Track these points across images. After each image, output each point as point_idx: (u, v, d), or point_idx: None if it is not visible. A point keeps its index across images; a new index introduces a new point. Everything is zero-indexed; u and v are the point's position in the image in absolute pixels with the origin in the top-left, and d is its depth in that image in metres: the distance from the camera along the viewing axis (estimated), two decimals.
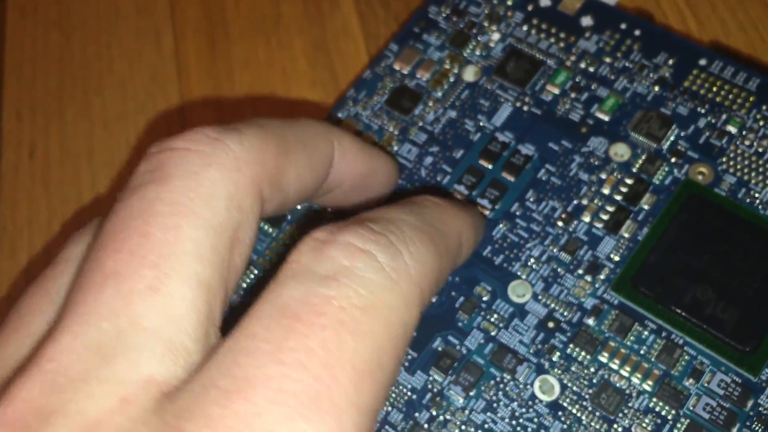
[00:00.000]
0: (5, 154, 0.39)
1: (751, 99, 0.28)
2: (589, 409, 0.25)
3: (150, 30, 0.41)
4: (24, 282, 0.35)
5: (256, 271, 0.29)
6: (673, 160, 0.28)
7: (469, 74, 0.31)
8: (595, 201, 0.28)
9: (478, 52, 0.31)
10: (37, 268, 0.35)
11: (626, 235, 0.27)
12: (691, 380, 0.25)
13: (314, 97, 0.37)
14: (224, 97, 0.38)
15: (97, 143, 0.38)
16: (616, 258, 0.27)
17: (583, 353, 0.26)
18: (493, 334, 0.26)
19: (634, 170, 0.28)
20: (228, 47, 0.39)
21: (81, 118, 0.39)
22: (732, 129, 0.28)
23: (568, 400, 0.25)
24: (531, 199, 0.28)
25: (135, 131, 0.38)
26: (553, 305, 0.26)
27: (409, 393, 0.26)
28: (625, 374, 0.25)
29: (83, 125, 0.39)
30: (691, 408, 0.25)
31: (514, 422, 0.25)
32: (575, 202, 0.28)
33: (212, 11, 0.41)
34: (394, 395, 0.26)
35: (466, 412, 0.25)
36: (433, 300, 0.27)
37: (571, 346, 0.26)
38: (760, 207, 0.27)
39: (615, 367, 0.25)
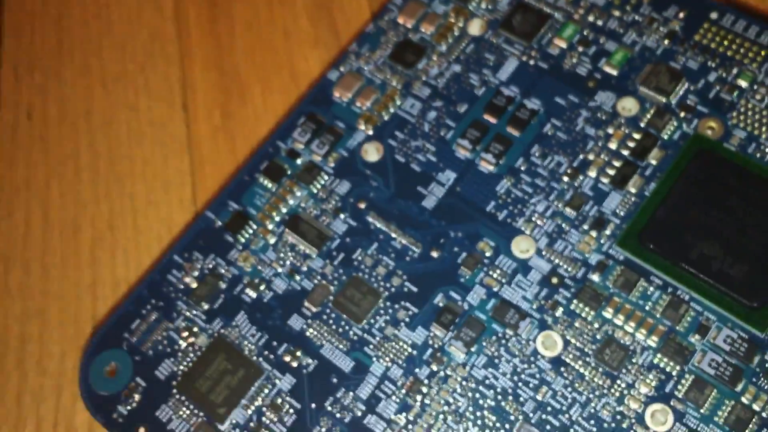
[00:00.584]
0: (3, 114, 0.39)
1: (762, 53, 0.28)
2: (592, 365, 0.24)
3: None
4: (21, 243, 0.35)
5: (255, 226, 0.28)
6: (682, 114, 0.27)
7: (475, 28, 0.30)
8: (602, 156, 0.27)
9: (483, 6, 0.30)
10: (35, 229, 0.35)
11: (633, 191, 0.26)
12: (696, 336, 0.24)
13: (316, 56, 0.36)
14: (225, 57, 0.37)
15: (96, 104, 0.38)
16: (622, 213, 0.26)
17: (586, 309, 0.25)
18: (495, 289, 0.26)
19: (642, 125, 0.27)
20: (229, 6, 0.39)
21: (80, 77, 0.39)
22: (743, 83, 0.27)
23: (570, 355, 0.25)
24: (536, 154, 0.28)
25: (134, 91, 0.38)
26: (557, 261, 0.26)
27: (409, 348, 0.25)
28: (630, 330, 0.25)
29: (82, 85, 0.39)
30: (696, 364, 0.24)
31: (515, 378, 0.25)
32: (581, 157, 0.27)
33: None
34: (394, 351, 0.26)
35: (467, 367, 0.25)
36: (435, 255, 0.27)
37: (574, 301, 0.25)
38: None
39: (619, 322, 0.25)
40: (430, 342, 0.25)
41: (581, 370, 0.24)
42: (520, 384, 0.25)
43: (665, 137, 0.27)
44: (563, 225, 0.26)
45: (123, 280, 0.33)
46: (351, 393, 0.25)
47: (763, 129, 0.26)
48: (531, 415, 0.24)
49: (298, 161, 0.29)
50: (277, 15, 0.38)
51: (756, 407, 0.23)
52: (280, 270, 0.27)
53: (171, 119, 0.37)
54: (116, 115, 0.37)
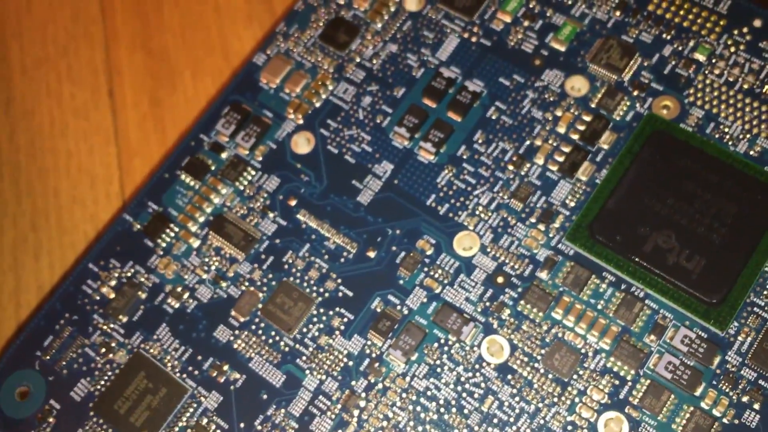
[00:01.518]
0: None
1: (721, 23, 0.25)
2: (541, 371, 0.23)
3: None
4: None
5: (177, 229, 0.26)
6: (635, 93, 0.25)
7: (412, 3, 0.27)
8: (550, 141, 0.25)
9: None
10: None
11: (583, 178, 0.24)
12: (652, 337, 0.23)
13: (249, 34, 0.33)
14: (153, 37, 0.35)
15: (15, 92, 0.35)
16: (572, 204, 0.24)
17: (534, 310, 0.23)
18: (436, 291, 0.24)
19: (593, 106, 0.25)
20: None
21: None
22: (700, 57, 0.25)
23: (518, 362, 0.23)
24: (479, 141, 0.25)
25: (56, 77, 0.35)
26: (502, 258, 0.24)
27: (345, 359, 0.23)
28: (581, 332, 0.23)
29: (0, 72, 0.36)
30: (652, 367, 0.22)
31: (459, 388, 0.23)
32: (528, 142, 0.25)
33: None
34: (328, 362, 0.24)
35: (407, 378, 0.23)
36: (372, 256, 0.24)
37: (521, 302, 0.23)
38: (730, 143, 0.24)
39: (570, 324, 0.23)
40: (368, 351, 0.24)
41: (529, 377, 0.23)
42: (464, 394, 0.23)
43: (617, 119, 0.25)
44: (509, 218, 0.24)
45: (47, 285, 0.31)
46: (282, 410, 0.23)
47: (722, 107, 0.24)
48: (476, 428, 0.22)
49: (223, 155, 0.26)
50: None
51: (716, 413, 0.22)
52: (204, 276, 0.25)
53: (96, 107, 0.34)
54: (38, 103, 0.35)
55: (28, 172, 0.33)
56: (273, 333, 0.24)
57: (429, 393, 0.23)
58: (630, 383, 0.22)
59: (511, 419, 0.22)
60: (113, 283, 0.25)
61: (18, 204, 0.33)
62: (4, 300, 0.31)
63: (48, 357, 0.25)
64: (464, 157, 0.25)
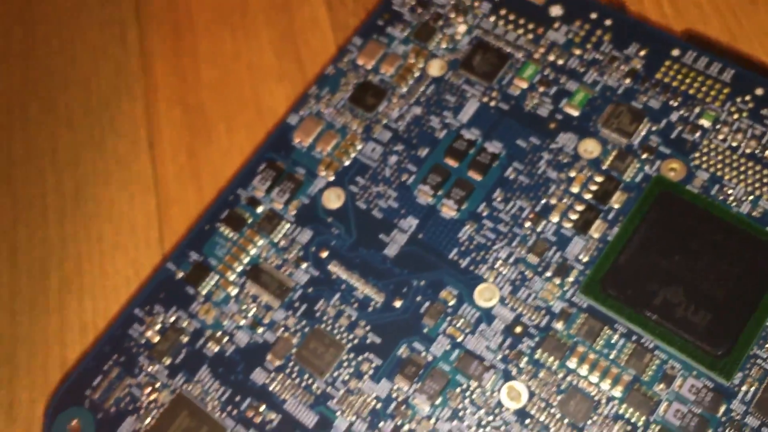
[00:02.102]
0: None
1: (725, 91, 0.27)
2: (558, 416, 0.24)
3: (114, 23, 0.40)
4: None
5: (217, 277, 0.28)
6: (644, 156, 0.27)
7: (435, 68, 0.29)
8: (564, 200, 0.27)
9: (443, 45, 0.30)
10: (3, 273, 0.34)
11: (596, 236, 0.26)
12: (661, 385, 0.24)
13: (281, 91, 0.36)
14: (190, 92, 0.37)
15: (61, 142, 0.37)
16: (585, 259, 0.26)
17: (551, 359, 0.25)
18: (459, 339, 0.26)
19: (604, 167, 0.27)
20: (194, 40, 0.38)
21: (45, 114, 0.38)
22: (705, 123, 0.27)
23: (535, 407, 0.24)
24: (498, 199, 0.27)
25: (100, 129, 0.37)
26: (520, 309, 0.26)
27: (373, 402, 0.25)
28: (594, 380, 0.24)
29: (47, 123, 0.38)
30: (662, 414, 0.24)
31: (480, 430, 0.24)
32: (543, 201, 0.27)
33: (178, 3, 0.39)
34: (358, 405, 0.25)
35: (432, 420, 0.25)
36: (398, 305, 0.26)
37: (539, 351, 0.25)
38: (733, 204, 0.26)
39: (584, 372, 0.25)
40: (394, 395, 0.25)
41: (546, 421, 0.24)
42: None
43: (627, 179, 0.27)
44: (526, 272, 0.26)
45: (91, 326, 0.33)
46: None
47: (727, 170, 0.26)
48: None
49: (259, 209, 0.29)
50: (241, 49, 0.37)
51: None
52: (242, 322, 0.27)
53: (137, 157, 0.36)
54: (82, 153, 0.37)
55: (73, 218, 0.35)
56: (306, 376, 0.26)
57: None
58: (641, 429, 0.24)
59: None
60: (157, 327, 0.27)
61: (64, 248, 0.35)
62: (50, 339, 0.33)
63: (97, 396, 0.26)
64: (484, 213, 0.27)
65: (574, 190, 0.27)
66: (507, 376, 0.25)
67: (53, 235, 0.35)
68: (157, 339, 0.27)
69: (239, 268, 0.28)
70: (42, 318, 0.33)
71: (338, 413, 0.25)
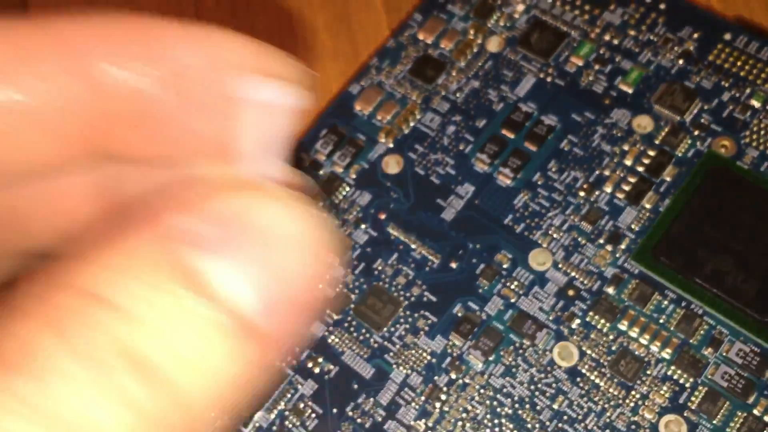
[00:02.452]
0: None
1: None
2: (608, 375, 0.25)
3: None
4: None
5: None
6: (696, 132, 0.28)
7: (493, 45, 0.31)
8: (617, 172, 0.28)
9: (502, 23, 0.31)
10: None
11: (648, 206, 0.27)
12: (709, 349, 0.25)
13: (335, 69, 0.37)
14: None
15: None
16: (637, 228, 0.27)
17: (602, 321, 0.26)
18: (513, 300, 0.27)
19: (657, 142, 0.28)
20: (251, 19, 0.39)
21: None
22: (755, 103, 0.28)
23: (586, 366, 0.25)
24: (553, 169, 0.28)
25: None
26: (573, 273, 0.27)
27: (428, 357, 0.26)
28: (644, 342, 0.25)
29: None
30: (710, 376, 0.25)
31: (532, 387, 0.25)
32: (597, 172, 0.28)
33: None
34: (414, 359, 0.26)
35: (485, 376, 0.26)
36: (454, 266, 0.27)
37: (590, 314, 0.26)
38: None
39: (634, 335, 0.25)
40: (449, 350, 0.26)
41: (597, 380, 0.25)
42: (536, 393, 0.25)
43: (679, 155, 0.28)
44: (579, 239, 0.27)
45: None
46: (371, 399, 0.26)
47: None
48: (547, 423, 0.25)
49: (320, 172, 0.30)
50: (297, 27, 0.38)
51: (767, 419, 0.24)
52: None
53: None
54: None
55: None
56: (364, 330, 0.27)
57: (505, 390, 0.25)
58: (689, 390, 0.25)
59: (579, 417, 0.25)
60: None
61: None
62: None
63: None
64: (539, 182, 0.28)
65: (627, 162, 0.28)
66: (559, 336, 0.26)
67: None
68: None
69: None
70: None
71: (394, 366, 0.26)
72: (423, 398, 0.26)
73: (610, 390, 0.25)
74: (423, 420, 0.25)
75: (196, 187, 0.11)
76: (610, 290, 0.26)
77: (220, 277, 0.10)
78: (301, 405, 0.26)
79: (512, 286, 0.27)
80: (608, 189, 0.28)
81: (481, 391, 0.25)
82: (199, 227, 0.11)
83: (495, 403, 0.25)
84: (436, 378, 0.26)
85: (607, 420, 0.25)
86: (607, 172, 0.28)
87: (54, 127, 0.12)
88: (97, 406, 0.09)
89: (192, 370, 0.10)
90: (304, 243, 0.11)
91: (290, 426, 0.26)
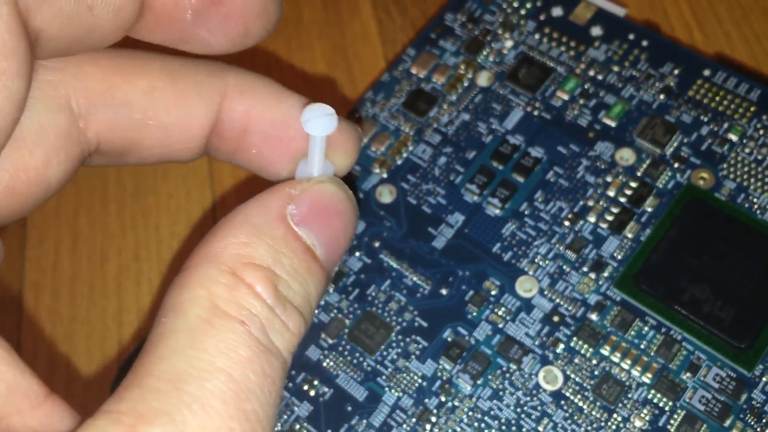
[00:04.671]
0: None
1: (752, 109, 0.30)
2: (591, 399, 0.26)
3: None
4: (51, 271, 0.37)
5: None
6: (676, 165, 0.29)
7: (483, 79, 0.32)
8: (601, 202, 0.29)
9: (491, 59, 0.32)
10: (64, 257, 0.37)
11: (630, 236, 0.28)
12: (688, 374, 0.26)
13: (333, 97, 0.38)
14: None
15: None
16: (620, 257, 0.28)
17: (585, 346, 0.27)
18: (500, 326, 0.28)
19: (639, 174, 0.29)
20: (251, 49, 0.41)
21: None
22: (733, 137, 0.29)
23: (570, 390, 0.26)
24: (539, 199, 0.30)
25: None
26: (558, 300, 0.28)
27: (419, 380, 0.27)
28: (626, 367, 0.26)
29: None
30: (688, 400, 0.26)
31: (518, 410, 0.26)
32: (581, 203, 0.29)
33: None
34: (405, 382, 0.27)
35: (474, 399, 0.27)
36: (444, 293, 0.28)
37: (574, 339, 0.27)
38: (758, 212, 0.28)
39: (616, 360, 0.27)
40: (439, 374, 0.27)
41: (580, 403, 0.26)
42: (522, 415, 0.26)
43: (660, 186, 0.29)
44: (564, 267, 0.28)
45: (147, 308, 0.35)
46: (365, 421, 0.27)
47: (752, 180, 0.28)
48: None
49: None
50: (296, 59, 0.40)
51: None
52: None
53: None
54: None
55: (132, 209, 0.38)
56: (357, 354, 0.28)
57: (492, 413, 0.26)
58: (668, 413, 0.26)
59: None
60: None
61: (123, 236, 0.37)
62: (108, 320, 0.35)
63: None
64: (526, 212, 0.29)
65: (611, 193, 0.29)
66: (544, 361, 0.27)
67: (113, 224, 0.37)
68: None
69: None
70: (100, 300, 0.35)
71: (387, 389, 0.27)
72: (414, 420, 0.27)
73: (593, 413, 0.26)
74: None
75: (290, 184, 0.20)
76: (594, 316, 0.27)
77: (309, 240, 0.19)
78: (297, 426, 0.27)
79: (500, 312, 0.28)
80: (592, 219, 0.29)
81: (470, 413, 0.27)
82: (297, 210, 0.19)
83: (483, 425, 0.26)
84: (426, 400, 0.27)
85: None
86: (591, 203, 0.29)
87: (124, 16, 0.18)
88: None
89: (303, 293, 0.19)
90: (344, 214, 0.20)
91: None
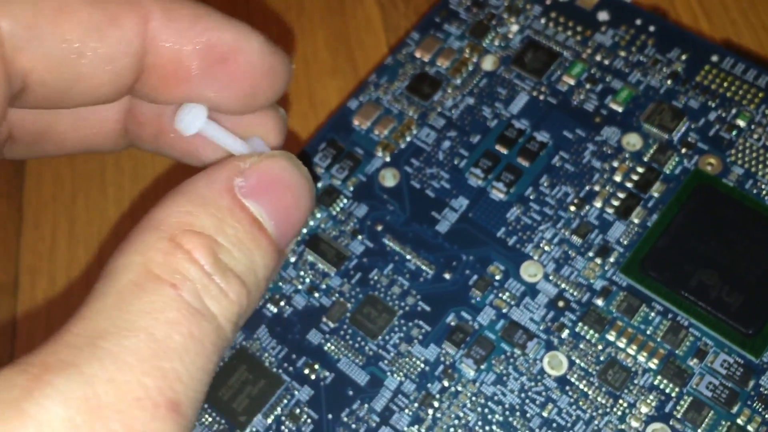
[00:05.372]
0: None
1: (760, 95, 0.29)
2: (596, 384, 0.26)
3: None
4: (48, 256, 0.36)
5: None
6: (683, 150, 0.29)
7: (488, 63, 0.32)
8: (607, 188, 0.29)
9: (497, 43, 0.32)
10: (61, 242, 0.36)
11: (636, 221, 0.28)
12: (695, 360, 0.26)
13: (334, 85, 0.38)
14: None
15: None
16: (626, 242, 0.28)
17: (591, 332, 0.27)
18: (504, 311, 0.27)
19: (646, 159, 0.29)
20: None
21: None
22: (741, 123, 0.29)
23: (575, 375, 0.26)
24: (545, 184, 0.29)
25: None
26: (563, 285, 0.27)
27: (422, 365, 0.27)
28: (632, 352, 0.26)
29: None
30: (695, 386, 0.25)
31: (522, 395, 0.26)
32: (587, 188, 0.29)
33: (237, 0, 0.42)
34: (408, 366, 0.27)
35: (477, 384, 0.26)
36: (448, 277, 0.28)
37: (579, 324, 0.27)
38: (766, 197, 0.28)
39: (622, 345, 0.26)
40: (442, 359, 0.27)
41: (585, 389, 0.26)
42: (527, 401, 0.26)
43: (667, 172, 0.29)
44: (569, 252, 0.28)
45: None
46: (366, 405, 0.26)
47: (760, 166, 0.28)
48: (537, 430, 0.25)
49: (319, 185, 0.30)
50: (298, 44, 0.39)
51: (750, 429, 0.25)
52: (299, 287, 0.29)
53: None
54: None
55: (130, 193, 0.37)
56: (359, 338, 0.28)
57: (496, 398, 0.26)
58: (674, 399, 0.25)
59: (568, 424, 0.25)
60: None
61: (121, 223, 0.37)
62: None
63: None
64: (531, 197, 0.29)
65: (617, 179, 0.29)
66: (549, 346, 0.27)
67: (110, 207, 0.37)
68: None
69: (298, 237, 0.29)
70: None
71: (389, 373, 0.27)
72: (416, 405, 0.26)
73: (598, 399, 0.26)
74: (416, 426, 0.26)
75: (240, 158, 0.19)
76: (599, 302, 0.27)
77: (256, 211, 0.19)
78: (297, 411, 0.27)
79: (504, 297, 0.28)
80: (598, 204, 0.29)
81: (473, 398, 0.26)
82: (245, 182, 0.19)
83: (486, 410, 0.26)
84: (429, 385, 0.27)
85: (595, 428, 0.25)
86: (597, 188, 0.29)
87: (118, 70, 0.18)
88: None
89: (247, 263, 0.18)
90: (296, 188, 0.20)
91: (286, 431, 0.26)
